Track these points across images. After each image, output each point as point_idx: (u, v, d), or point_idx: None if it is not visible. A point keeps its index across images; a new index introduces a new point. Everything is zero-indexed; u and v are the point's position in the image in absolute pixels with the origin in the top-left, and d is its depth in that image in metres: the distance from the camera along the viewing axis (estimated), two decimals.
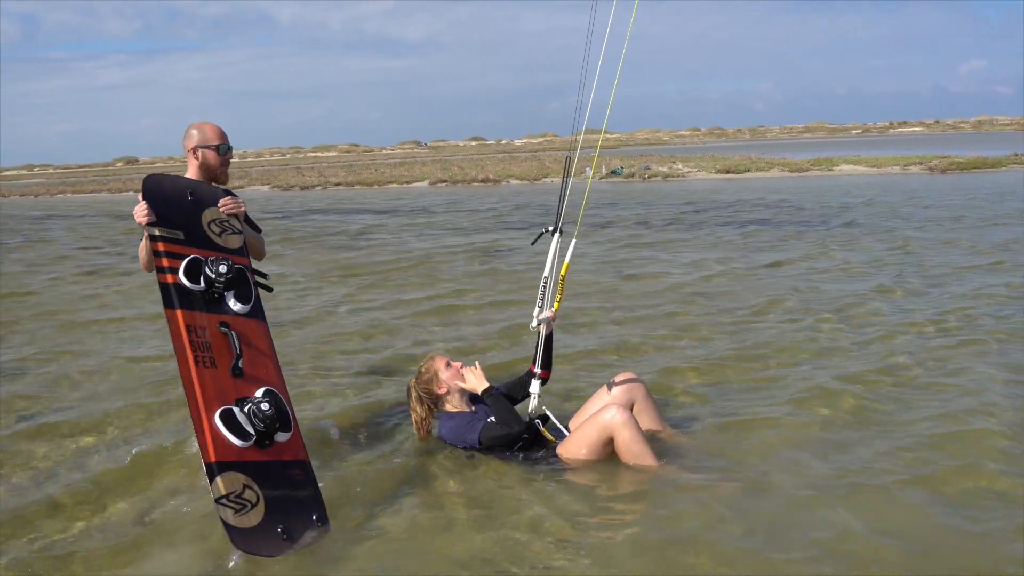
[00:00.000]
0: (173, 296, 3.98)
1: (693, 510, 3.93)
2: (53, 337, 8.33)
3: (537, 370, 4.67)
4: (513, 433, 4.50)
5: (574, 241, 4.70)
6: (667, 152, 60.47)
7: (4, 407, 5.97)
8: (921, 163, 31.93)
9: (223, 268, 4.02)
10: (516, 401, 4.78)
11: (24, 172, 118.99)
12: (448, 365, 4.79)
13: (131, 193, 36.77)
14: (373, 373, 6.64)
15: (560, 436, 4.61)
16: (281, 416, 3.97)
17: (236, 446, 3.81)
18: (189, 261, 4.06)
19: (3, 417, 5.77)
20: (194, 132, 4.41)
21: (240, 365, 3.98)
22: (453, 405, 4.77)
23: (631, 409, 4.64)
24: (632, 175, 34.68)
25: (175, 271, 4.01)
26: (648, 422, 4.74)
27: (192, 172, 4.46)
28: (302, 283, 11.27)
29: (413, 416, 4.87)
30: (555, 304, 4.71)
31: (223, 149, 4.42)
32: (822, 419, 5.10)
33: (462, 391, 4.77)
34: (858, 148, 50.99)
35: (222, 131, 4.43)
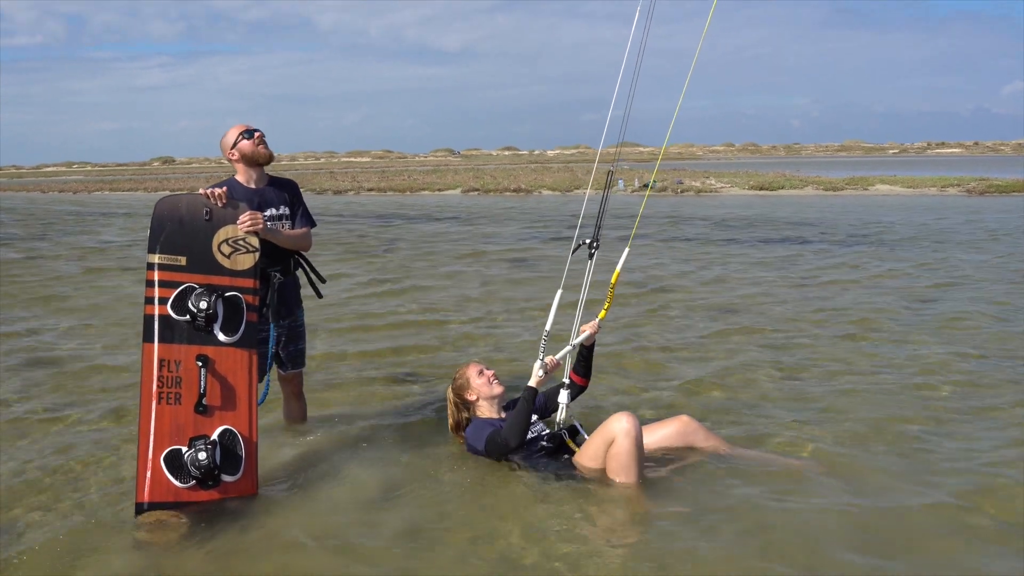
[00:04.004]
0: (154, 329, 4.13)
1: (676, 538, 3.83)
2: None
3: (566, 380, 4.64)
4: (509, 447, 4.48)
5: (627, 250, 4.68)
6: (700, 167, 60.31)
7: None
8: (959, 185, 31.50)
9: (203, 304, 4.13)
10: (551, 410, 4.78)
11: (63, 168, 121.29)
12: (480, 373, 4.84)
13: (166, 192, 37.13)
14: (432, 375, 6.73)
15: None
16: (227, 460, 4.09)
17: (175, 486, 3.99)
18: (180, 291, 4.17)
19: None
20: (224, 139, 4.77)
21: (204, 403, 4.12)
22: (483, 412, 4.81)
23: (691, 448, 4.67)
24: (664, 189, 34.55)
25: (164, 301, 4.14)
26: (716, 444, 4.72)
27: (241, 172, 4.76)
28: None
29: (449, 421, 4.96)
30: (601, 313, 4.70)
31: (248, 134, 4.70)
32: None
33: (492, 399, 4.79)
34: (894, 168, 50.53)
35: (244, 124, 4.77)
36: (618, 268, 4.66)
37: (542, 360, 4.46)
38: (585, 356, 4.75)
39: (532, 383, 4.46)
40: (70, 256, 15.67)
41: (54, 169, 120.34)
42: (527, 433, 4.49)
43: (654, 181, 36.01)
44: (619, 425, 4.26)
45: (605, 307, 4.71)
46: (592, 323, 4.71)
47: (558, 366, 4.57)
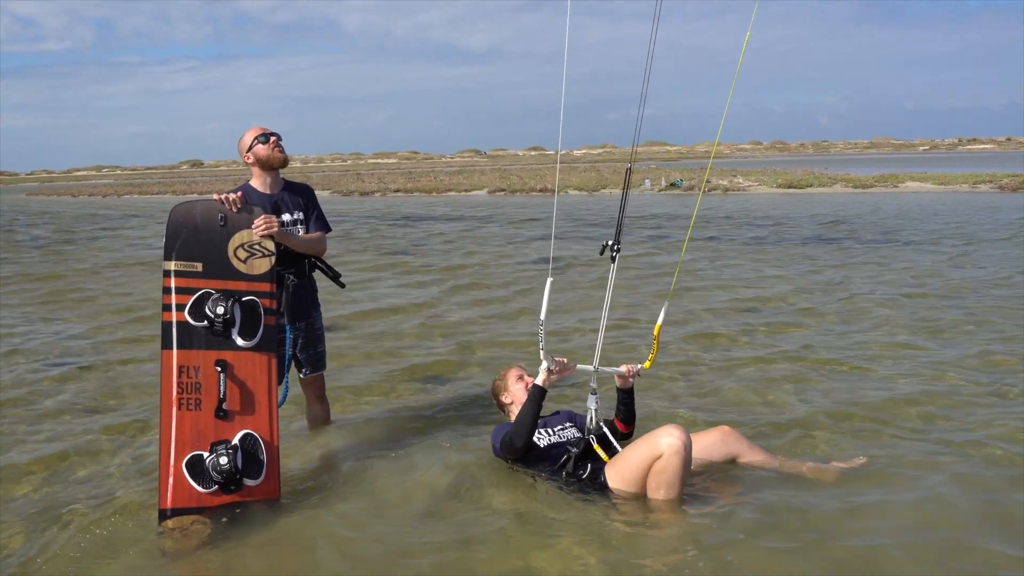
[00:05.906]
0: (172, 336, 4.12)
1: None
2: None
3: (593, 385, 4.53)
4: (515, 447, 4.39)
5: (667, 303, 4.54)
6: (728, 166, 59.92)
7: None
8: (991, 181, 31.01)
9: (220, 309, 4.12)
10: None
11: (93, 172, 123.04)
12: (520, 378, 4.84)
13: (195, 196, 37.49)
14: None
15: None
16: (249, 464, 4.07)
17: (197, 491, 3.97)
18: (197, 297, 4.15)
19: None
20: (240, 142, 4.76)
21: (224, 407, 4.09)
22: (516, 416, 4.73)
23: (733, 460, 4.54)
24: (692, 188, 34.34)
25: (182, 308, 4.13)
26: (760, 458, 4.58)
27: (256, 176, 4.74)
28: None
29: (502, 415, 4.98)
30: (647, 363, 4.56)
31: (264, 138, 4.67)
32: None
33: None
34: (925, 165, 49.82)
35: (260, 127, 4.75)
36: (659, 322, 4.50)
37: (550, 359, 4.34)
38: (625, 401, 4.58)
39: (539, 381, 4.36)
40: (100, 259, 15.81)
41: (84, 173, 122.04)
42: (532, 434, 4.38)
43: (680, 180, 35.84)
44: (668, 440, 4.01)
45: (650, 358, 4.55)
46: (633, 366, 4.54)
47: (568, 371, 4.42)
